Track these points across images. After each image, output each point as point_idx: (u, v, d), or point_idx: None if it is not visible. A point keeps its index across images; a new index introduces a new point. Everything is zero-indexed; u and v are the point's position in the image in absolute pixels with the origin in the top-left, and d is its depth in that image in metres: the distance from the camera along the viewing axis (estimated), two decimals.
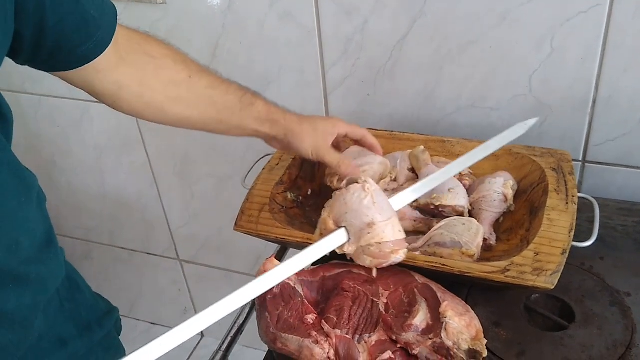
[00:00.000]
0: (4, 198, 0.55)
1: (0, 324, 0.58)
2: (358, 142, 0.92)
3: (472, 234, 0.79)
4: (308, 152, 0.86)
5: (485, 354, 0.65)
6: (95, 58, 0.65)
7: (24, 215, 0.59)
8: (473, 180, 0.92)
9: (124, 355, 0.80)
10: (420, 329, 0.68)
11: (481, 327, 0.68)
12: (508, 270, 0.71)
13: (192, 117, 0.79)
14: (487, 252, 0.82)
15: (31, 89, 1.51)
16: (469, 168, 0.94)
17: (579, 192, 0.85)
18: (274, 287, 0.74)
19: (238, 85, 0.82)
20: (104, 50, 0.65)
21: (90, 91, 0.71)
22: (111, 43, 0.67)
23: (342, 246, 0.69)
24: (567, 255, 0.73)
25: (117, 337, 0.82)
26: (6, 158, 0.57)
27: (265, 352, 0.77)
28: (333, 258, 0.81)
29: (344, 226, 0.68)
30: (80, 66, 0.65)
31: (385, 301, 0.73)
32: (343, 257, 0.80)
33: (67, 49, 0.61)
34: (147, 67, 0.74)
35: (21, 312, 0.60)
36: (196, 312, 1.93)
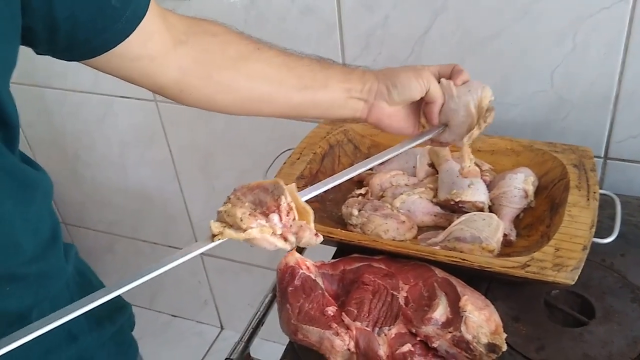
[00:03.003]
0: None
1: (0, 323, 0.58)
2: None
3: (492, 229, 0.79)
4: (418, 89, 0.75)
5: (504, 348, 0.65)
6: (112, 48, 0.60)
7: (23, 217, 0.58)
8: (493, 176, 0.92)
9: (137, 351, 0.81)
10: (440, 323, 0.68)
11: (501, 321, 0.69)
12: (528, 265, 0.71)
13: (272, 91, 0.72)
14: (507, 247, 0.82)
15: (56, 84, 1.54)
16: (490, 164, 0.94)
17: (600, 188, 0.84)
18: (295, 280, 0.76)
19: (309, 54, 0.76)
20: (122, 40, 0.61)
21: (152, 85, 0.67)
22: (165, 29, 0.64)
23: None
24: (587, 251, 0.72)
25: (130, 332, 0.80)
26: (2, 163, 0.55)
27: (285, 345, 0.78)
28: (353, 252, 0.82)
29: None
30: (97, 55, 0.61)
31: (405, 295, 0.74)
32: (363, 251, 0.81)
33: (82, 40, 0.58)
34: (211, 45, 0.69)
35: (22, 311, 0.60)
36: (216, 305, 1.96)
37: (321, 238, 0.59)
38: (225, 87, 0.70)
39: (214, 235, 0.57)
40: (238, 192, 0.59)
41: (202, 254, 1.56)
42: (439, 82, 0.77)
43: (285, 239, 0.57)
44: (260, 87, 0.72)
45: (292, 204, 0.57)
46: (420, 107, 0.79)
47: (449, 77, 0.78)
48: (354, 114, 0.77)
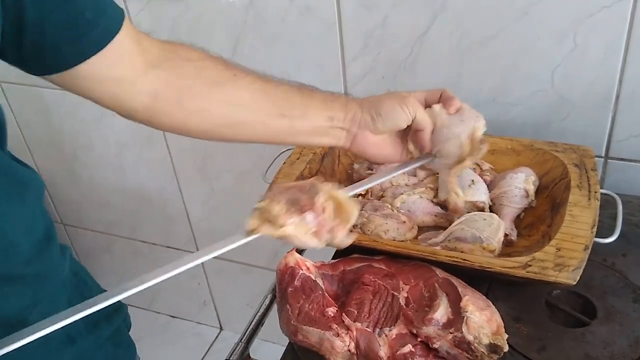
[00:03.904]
0: None
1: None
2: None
3: (493, 229, 0.79)
4: (403, 118, 0.72)
5: (506, 348, 0.65)
6: (80, 62, 0.58)
7: (17, 215, 0.57)
8: (494, 175, 0.92)
9: (135, 351, 0.81)
10: (441, 323, 0.68)
11: (502, 322, 0.68)
12: (529, 265, 0.71)
13: (247, 118, 0.70)
14: (508, 247, 0.82)
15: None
16: (490, 163, 0.93)
17: (601, 188, 0.84)
18: (295, 280, 0.75)
19: (289, 81, 0.74)
20: (92, 55, 0.59)
21: (121, 109, 0.66)
22: (137, 52, 0.62)
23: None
24: (589, 251, 0.72)
25: (127, 332, 0.80)
26: None
27: (284, 346, 0.78)
28: (353, 252, 0.82)
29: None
30: (65, 69, 0.59)
31: (405, 295, 0.73)
32: (363, 251, 0.81)
33: (48, 50, 0.56)
34: (184, 70, 0.67)
35: (21, 312, 0.60)
36: (215, 306, 1.96)
37: (353, 237, 0.60)
38: (197, 113, 0.68)
39: (249, 231, 0.58)
40: (274, 190, 0.60)
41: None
42: (426, 108, 0.74)
43: (319, 237, 0.58)
44: (235, 113, 0.70)
45: (327, 204, 0.58)
46: (406, 135, 0.77)
47: (439, 102, 0.75)
48: (337, 142, 0.75)
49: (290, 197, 0.59)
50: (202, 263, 1.87)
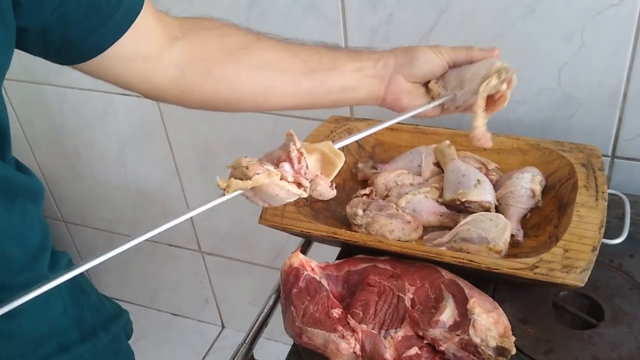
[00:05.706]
0: None
1: None
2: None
3: (500, 230, 0.78)
4: (439, 63, 0.73)
5: (513, 351, 0.64)
6: (107, 48, 0.58)
7: (8, 227, 0.56)
8: (500, 175, 0.91)
9: (133, 359, 0.79)
10: (448, 325, 0.67)
11: (509, 324, 0.67)
12: (537, 267, 0.70)
13: (277, 80, 0.68)
14: (514, 248, 0.81)
15: (56, 81, 1.53)
16: (496, 163, 0.92)
17: (607, 188, 0.83)
18: (299, 281, 0.74)
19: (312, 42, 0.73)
20: (118, 38, 0.58)
21: (151, 88, 0.65)
22: (159, 27, 0.62)
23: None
24: (597, 252, 0.71)
25: (126, 341, 0.78)
26: None
27: (287, 344, 0.77)
28: (357, 252, 0.81)
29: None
30: (92, 57, 0.59)
31: (411, 296, 0.73)
32: (368, 251, 0.80)
33: (75, 40, 0.56)
34: (208, 38, 0.66)
35: (9, 321, 0.59)
36: (217, 304, 1.95)
37: (335, 192, 0.57)
38: (227, 82, 0.67)
39: (223, 191, 0.55)
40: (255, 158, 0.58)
41: (203, 252, 1.56)
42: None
43: (299, 185, 0.54)
44: (265, 76, 0.68)
45: (303, 150, 0.55)
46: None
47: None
48: (370, 94, 0.74)
49: (267, 158, 0.56)
50: (204, 262, 1.87)
